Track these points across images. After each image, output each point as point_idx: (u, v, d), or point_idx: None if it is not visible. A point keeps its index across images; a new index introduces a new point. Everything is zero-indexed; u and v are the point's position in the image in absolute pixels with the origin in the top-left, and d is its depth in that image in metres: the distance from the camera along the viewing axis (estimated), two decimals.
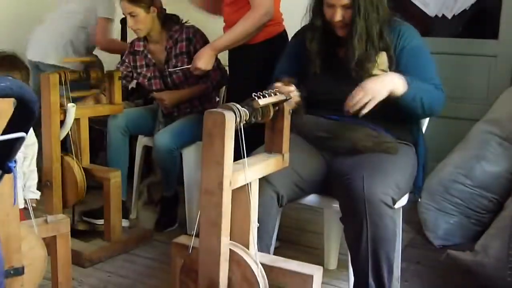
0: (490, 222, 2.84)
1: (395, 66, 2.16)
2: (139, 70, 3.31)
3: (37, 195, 2.59)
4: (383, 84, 1.98)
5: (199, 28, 3.21)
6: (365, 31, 2.11)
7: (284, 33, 2.88)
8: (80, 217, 3.10)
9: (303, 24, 2.37)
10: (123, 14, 3.22)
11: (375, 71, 2.07)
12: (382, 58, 2.13)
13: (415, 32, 2.23)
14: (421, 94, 2.07)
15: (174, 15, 3.24)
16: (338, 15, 2.13)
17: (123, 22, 4.34)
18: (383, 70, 2.11)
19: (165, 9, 3.25)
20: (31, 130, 2.48)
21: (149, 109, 3.43)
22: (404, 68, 2.14)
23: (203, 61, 2.76)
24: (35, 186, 2.58)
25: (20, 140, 1.13)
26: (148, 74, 3.29)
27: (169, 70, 3.13)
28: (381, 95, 1.96)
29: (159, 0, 3.21)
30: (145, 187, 3.48)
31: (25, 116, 1.12)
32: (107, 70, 3.18)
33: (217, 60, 2.94)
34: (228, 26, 2.82)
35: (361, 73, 2.10)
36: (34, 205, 2.47)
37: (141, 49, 3.26)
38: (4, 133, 1.12)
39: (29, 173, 2.53)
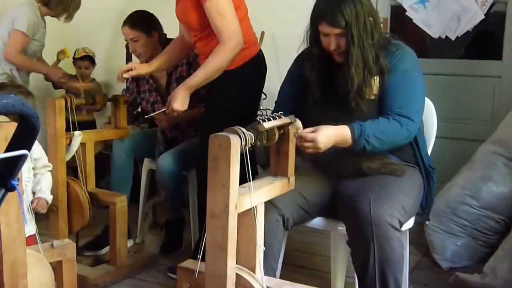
0: (497, 244, 2.82)
1: (381, 88, 2.17)
2: (142, 95, 3.33)
3: (49, 196, 2.56)
4: (330, 142, 2.00)
5: None
6: (361, 58, 2.11)
7: (259, 53, 2.81)
8: (82, 251, 3.03)
9: (300, 50, 2.39)
10: (125, 40, 3.25)
11: (370, 96, 2.14)
12: (376, 83, 2.15)
13: (408, 55, 2.21)
14: (373, 142, 2.07)
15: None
16: (333, 44, 2.14)
17: (128, 46, 4.38)
18: (374, 95, 2.16)
19: (165, 34, 3.28)
20: (43, 152, 2.52)
21: (154, 132, 3.43)
22: (385, 90, 2.16)
23: (178, 102, 2.66)
24: (49, 190, 2.56)
25: (23, 157, 1.12)
26: (151, 99, 3.31)
27: (145, 117, 3.11)
28: (323, 149, 1.99)
29: (160, 25, 3.23)
30: (150, 208, 3.47)
31: (28, 133, 1.11)
32: (114, 94, 3.19)
33: None
34: (202, 58, 2.73)
35: (359, 100, 2.12)
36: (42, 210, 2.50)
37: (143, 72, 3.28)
38: (6, 150, 1.12)
39: (40, 177, 2.53)
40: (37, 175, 2.54)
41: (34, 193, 2.51)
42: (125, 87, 3.72)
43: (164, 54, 2.97)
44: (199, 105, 3.14)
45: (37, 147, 2.47)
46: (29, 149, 1.12)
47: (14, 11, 3.72)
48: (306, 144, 1.96)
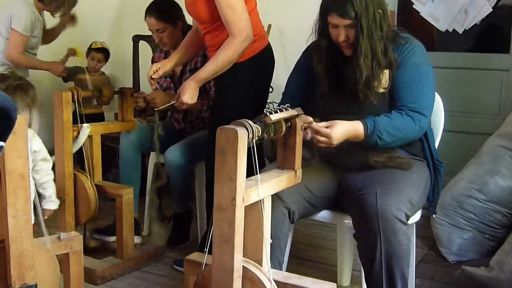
0: (504, 237, 2.82)
1: (392, 82, 2.17)
2: (158, 80, 3.33)
3: (56, 204, 2.62)
4: (343, 138, 2.02)
5: None
6: (370, 50, 2.11)
7: (268, 46, 2.82)
8: (91, 234, 3.09)
9: (309, 43, 2.38)
10: (149, 30, 3.24)
11: (379, 90, 2.14)
12: (385, 77, 2.15)
13: (417, 49, 2.21)
14: (385, 137, 2.08)
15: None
16: (342, 36, 2.14)
17: (135, 39, 4.38)
18: (384, 88, 2.16)
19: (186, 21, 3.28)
20: (42, 145, 2.51)
21: (162, 125, 3.43)
22: (396, 84, 2.16)
23: (188, 95, 2.68)
24: (54, 195, 2.62)
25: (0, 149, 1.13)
26: (164, 85, 3.34)
27: (155, 109, 3.07)
28: (336, 144, 2.01)
29: (183, 12, 3.23)
30: (154, 193, 3.44)
31: (6, 125, 1.12)
32: (120, 87, 3.19)
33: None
34: (211, 50, 2.75)
35: (368, 93, 2.12)
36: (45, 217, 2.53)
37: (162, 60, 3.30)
38: None
39: (45, 183, 2.56)
40: (43, 174, 2.54)
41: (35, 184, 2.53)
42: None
43: (181, 48, 2.99)
44: (202, 97, 3.13)
45: (37, 140, 2.48)
46: (5, 140, 1.13)
47: (11, 8, 3.73)
48: (320, 138, 1.97)
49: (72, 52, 4.22)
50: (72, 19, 4.12)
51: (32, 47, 3.88)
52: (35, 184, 2.52)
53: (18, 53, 3.71)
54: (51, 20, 4.03)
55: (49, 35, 4.08)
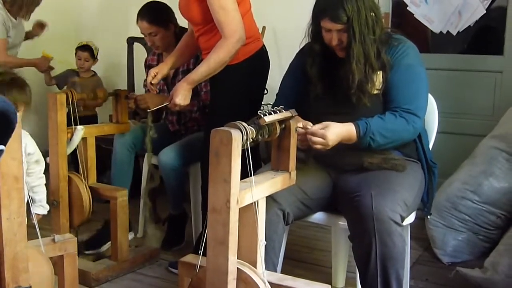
0: (498, 239, 2.82)
1: (385, 83, 2.18)
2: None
3: (45, 210, 2.58)
4: (338, 139, 2.02)
5: None
6: (362, 54, 2.11)
7: (263, 48, 2.82)
8: (83, 251, 3.02)
9: (302, 46, 2.38)
10: (142, 33, 3.24)
11: (372, 91, 2.15)
12: (379, 78, 2.16)
13: (410, 50, 2.21)
14: (378, 139, 2.08)
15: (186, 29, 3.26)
16: (335, 39, 2.14)
17: (129, 41, 4.37)
18: (378, 90, 2.17)
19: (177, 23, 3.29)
20: (36, 147, 2.49)
21: (156, 127, 3.42)
22: (389, 86, 2.17)
23: (181, 96, 2.68)
24: (44, 200, 2.58)
25: (0, 153, 1.13)
26: (158, 87, 3.32)
27: (148, 110, 3.03)
28: (331, 146, 2.01)
29: (174, 15, 3.23)
30: (147, 195, 3.43)
31: (5, 129, 1.12)
32: (115, 89, 3.19)
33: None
34: (205, 53, 2.74)
35: (361, 96, 2.12)
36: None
37: (155, 63, 3.33)
38: None
39: (36, 187, 2.54)
40: (34, 178, 2.51)
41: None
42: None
43: (177, 51, 2.98)
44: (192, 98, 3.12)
45: (30, 142, 2.47)
46: (5, 144, 1.12)
47: None
48: (315, 139, 1.97)
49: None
50: (41, 27, 4.16)
51: (10, 48, 3.90)
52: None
53: (4, 56, 3.78)
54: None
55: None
